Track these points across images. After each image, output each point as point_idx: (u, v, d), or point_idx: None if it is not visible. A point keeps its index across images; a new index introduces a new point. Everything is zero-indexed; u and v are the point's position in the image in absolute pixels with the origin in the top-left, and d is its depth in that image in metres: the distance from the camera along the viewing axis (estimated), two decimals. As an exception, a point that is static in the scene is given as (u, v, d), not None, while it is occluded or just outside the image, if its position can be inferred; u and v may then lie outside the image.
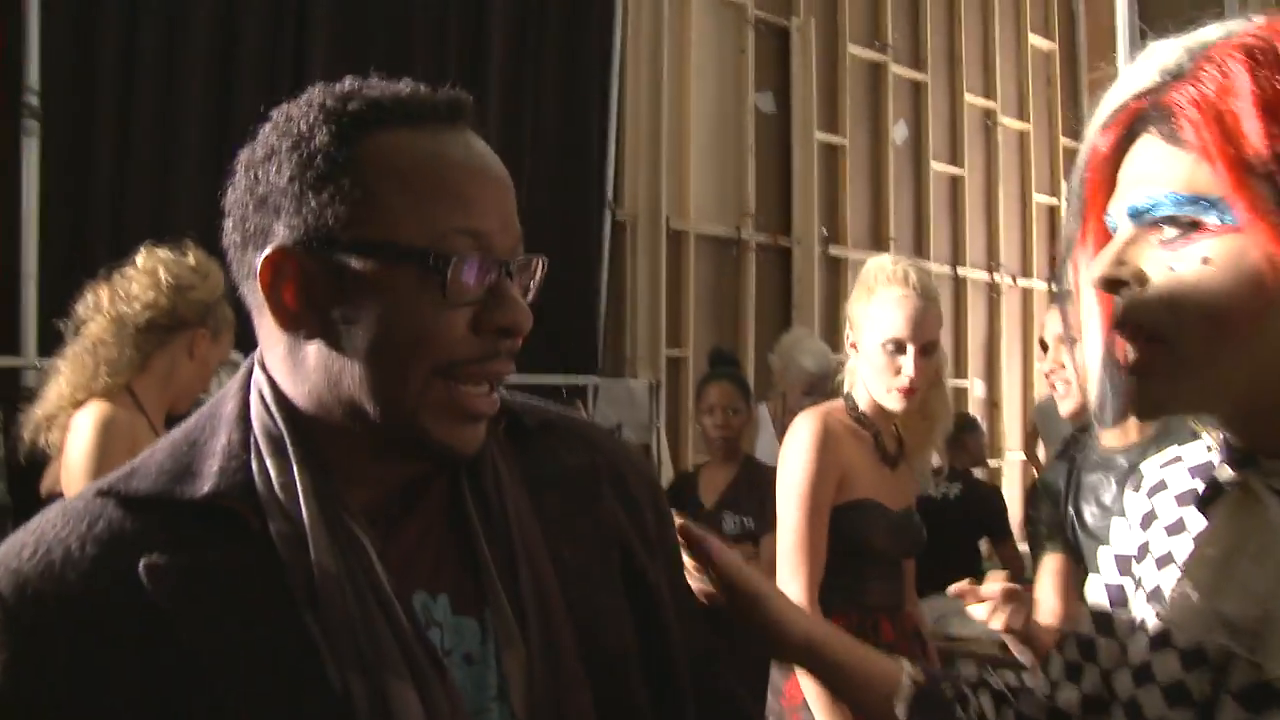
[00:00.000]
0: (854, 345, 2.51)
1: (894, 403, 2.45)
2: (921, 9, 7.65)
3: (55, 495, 2.52)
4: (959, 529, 5.34)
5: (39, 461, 2.61)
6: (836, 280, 6.65)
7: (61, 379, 2.53)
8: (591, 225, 5.45)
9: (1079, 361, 1.00)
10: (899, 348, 2.41)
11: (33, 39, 3.63)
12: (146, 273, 2.55)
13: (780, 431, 4.63)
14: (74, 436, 2.47)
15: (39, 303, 3.56)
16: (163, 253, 2.59)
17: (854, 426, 2.51)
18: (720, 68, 6.31)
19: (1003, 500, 5.91)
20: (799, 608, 1.25)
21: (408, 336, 0.92)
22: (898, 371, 2.41)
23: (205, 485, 0.93)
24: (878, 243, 7.15)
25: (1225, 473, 0.94)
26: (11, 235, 3.61)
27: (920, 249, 7.43)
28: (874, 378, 2.46)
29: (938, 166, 7.67)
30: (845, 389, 2.57)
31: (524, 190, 4.67)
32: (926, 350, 2.43)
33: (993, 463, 7.52)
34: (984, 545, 5.87)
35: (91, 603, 0.87)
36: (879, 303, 2.45)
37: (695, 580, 1.24)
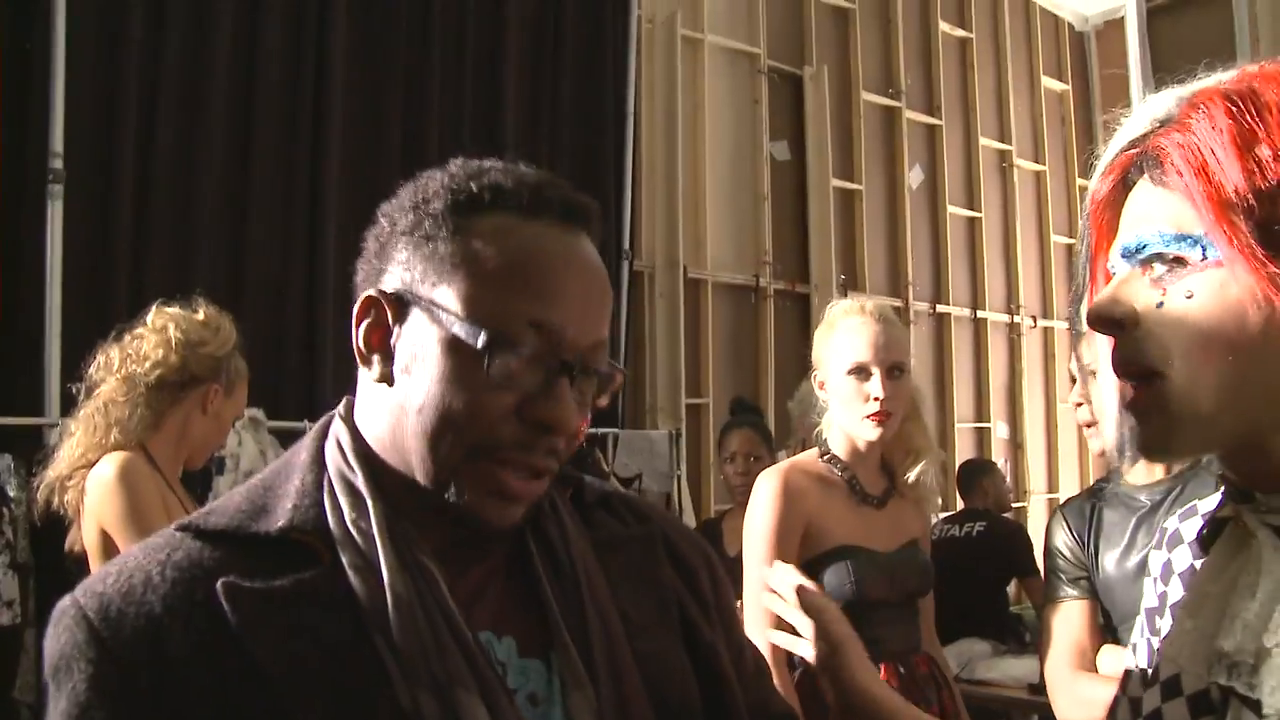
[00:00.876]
0: (822, 385, 2.50)
1: (869, 432, 2.41)
2: (934, 53, 7.70)
3: (80, 554, 2.53)
4: (984, 567, 5.30)
5: (56, 522, 2.60)
6: (855, 325, 6.65)
7: (73, 440, 2.54)
8: (611, 275, 5.44)
9: (1097, 405, 1.01)
10: (864, 373, 2.39)
11: (58, 103, 3.68)
12: (156, 331, 2.56)
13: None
14: (96, 491, 2.46)
15: (61, 363, 3.59)
16: (173, 310, 2.60)
17: (824, 474, 2.49)
18: (734, 117, 6.35)
19: (1028, 537, 5.87)
20: (874, 674, 1.27)
21: (451, 404, 0.95)
22: (866, 398, 2.39)
23: (279, 520, 0.97)
24: (896, 287, 7.16)
25: (1225, 510, 0.95)
26: (36, 296, 3.65)
27: (939, 292, 7.43)
28: (845, 411, 2.43)
29: (954, 210, 7.68)
30: (823, 435, 2.54)
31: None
32: (892, 374, 2.40)
33: (1018, 505, 7.46)
34: (1013, 587, 5.83)
35: (170, 624, 0.90)
36: (839, 333, 2.45)
37: (780, 637, 1.26)
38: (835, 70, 6.87)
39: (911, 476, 2.56)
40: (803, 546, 2.39)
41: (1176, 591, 1.04)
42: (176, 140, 4.02)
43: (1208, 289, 0.86)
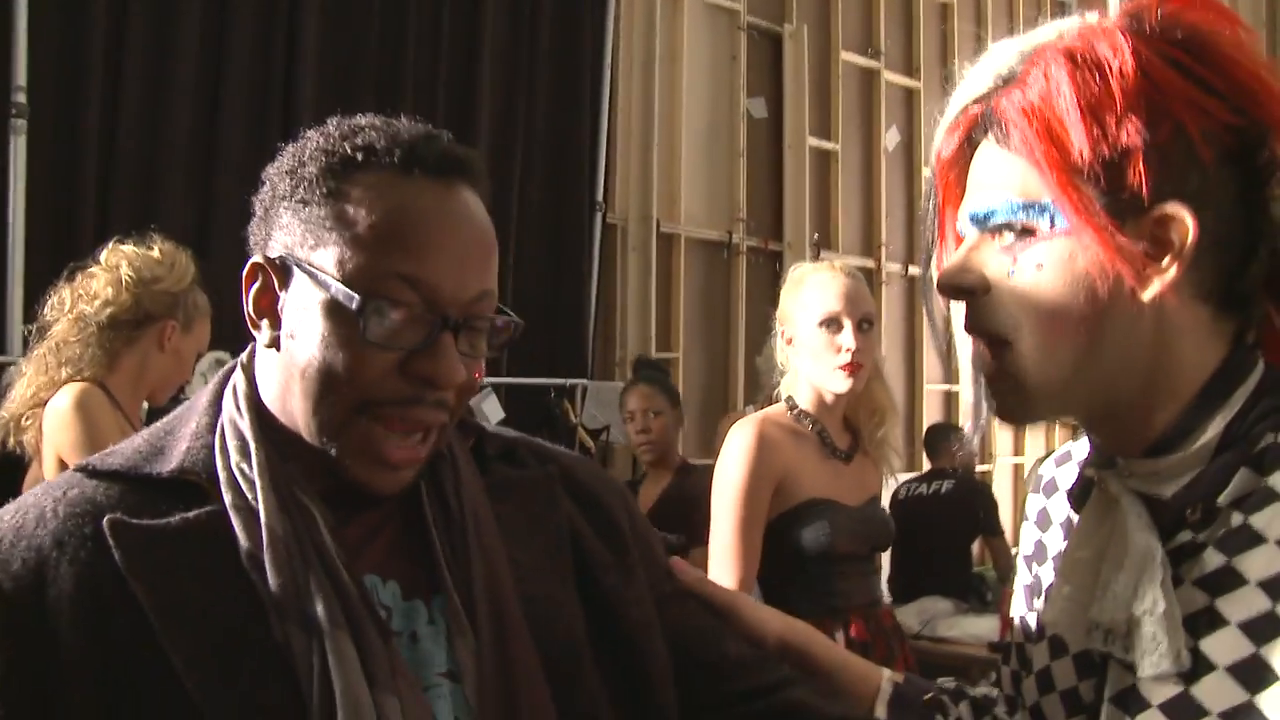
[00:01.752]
0: (789, 340, 2.52)
1: (840, 383, 2.44)
2: (914, 15, 7.67)
3: None
4: (950, 523, 5.36)
5: (14, 462, 2.60)
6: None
7: (24, 380, 2.54)
8: (582, 228, 5.44)
9: (955, 365, 1.02)
10: (835, 324, 2.42)
11: (20, 36, 3.61)
12: (108, 269, 2.54)
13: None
14: (53, 420, 2.47)
15: (25, 301, 3.54)
16: (127, 248, 2.58)
17: (795, 427, 2.51)
18: (712, 73, 6.31)
19: (993, 496, 5.92)
20: (773, 611, 1.25)
21: (332, 366, 0.97)
22: (839, 349, 2.42)
23: (172, 462, 1.00)
24: (869, 248, 7.16)
25: (1091, 470, 0.96)
26: (-1, 234, 3.60)
27: (912, 254, 7.44)
28: (815, 363, 2.46)
29: (930, 173, 7.65)
30: (784, 393, 2.57)
31: (515, 192, 4.70)
32: (862, 325, 2.44)
33: (983, 467, 7.52)
34: (977, 547, 5.89)
35: (57, 558, 0.93)
36: (810, 287, 2.48)
37: None
38: (815, 29, 6.83)
39: (878, 435, 2.60)
40: (776, 498, 2.42)
41: (1055, 539, 1.07)
42: (144, 78, 3.95)
43: (1057, 259, 0.87)
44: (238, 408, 1.03)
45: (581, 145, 5.46)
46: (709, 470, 2.69)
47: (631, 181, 5.85)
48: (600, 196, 5.54)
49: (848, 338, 2.41)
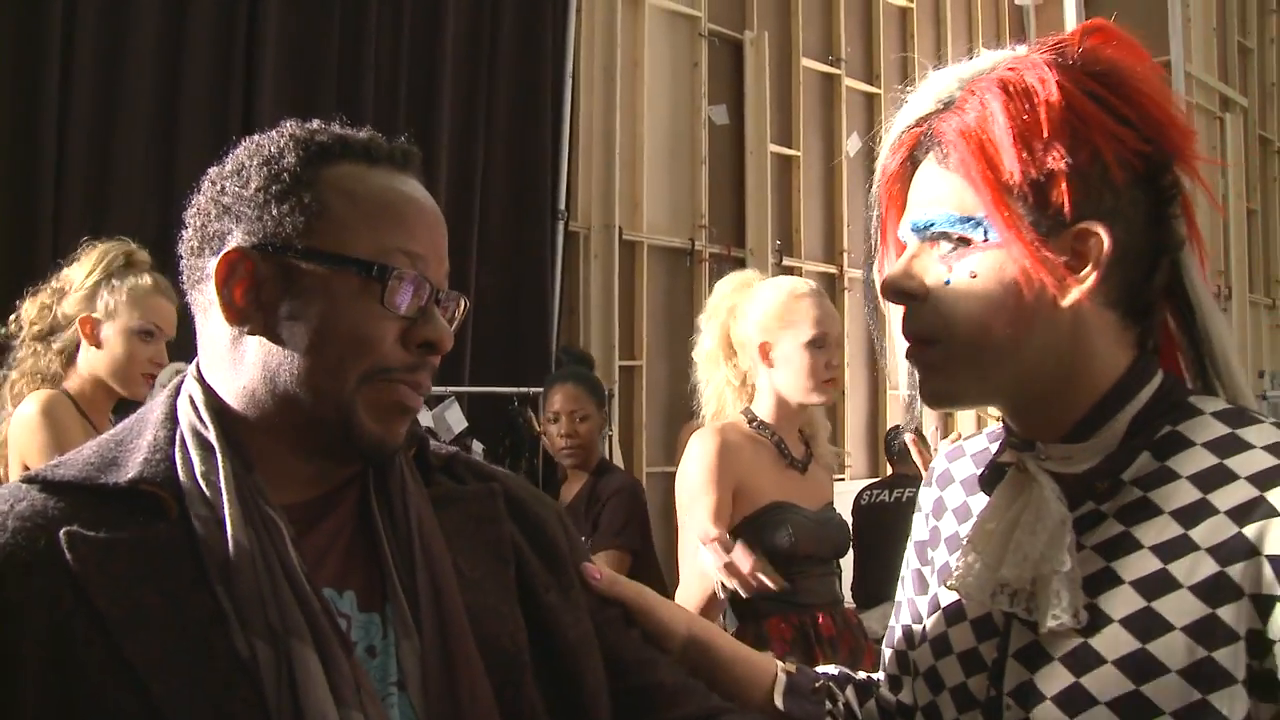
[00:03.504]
0: (768, 357, 2.63)
1: (822, 396, 2.62)
2: (874, 22, 7.73)
3: None
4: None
5: None
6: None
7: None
8: (544, 235, 5.44)
9: (892, 362, 1.14)
10: (822, 345, 2.58)
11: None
12: (39, 293, 2.69)
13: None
14: (18, 428, 2.54)
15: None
16: (63, 273, 2.70)
17: (754, 436, 2.65)
18: (674, 80, 6.33)
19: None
20: (680, 608, 1.32)
21: (346, 335, 1.02)
22: (826, 366, 2.59)
23: (129, 473, 1.00)
24: (831, 254, 7.20)
25: (1006, 456, 1.08)
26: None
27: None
28: (798, 380, 2.60)
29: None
30: (728, 408, 2.73)
31: (477, 200, 4.68)
32: (838, 345, 2.66)
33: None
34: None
35: (8, 573, 0.93)
36: (800, 309, 2.61)
37: None
38: (776, 36, 6.87)
39: (822, 446, 2.79)
40: (737, 503, 2.56)
41: (949, 526, 1.19)
42: (99, 80, 3.92)
43: (988, 268, 0.98)
44: (200, 418, 1.04)
45: (543, 153, 5.45)
46: (662, 474, 2.76)
47: (594, 189, 5.86)
48: (562, 204, 5.53)
49: (834, 356, 2.61)
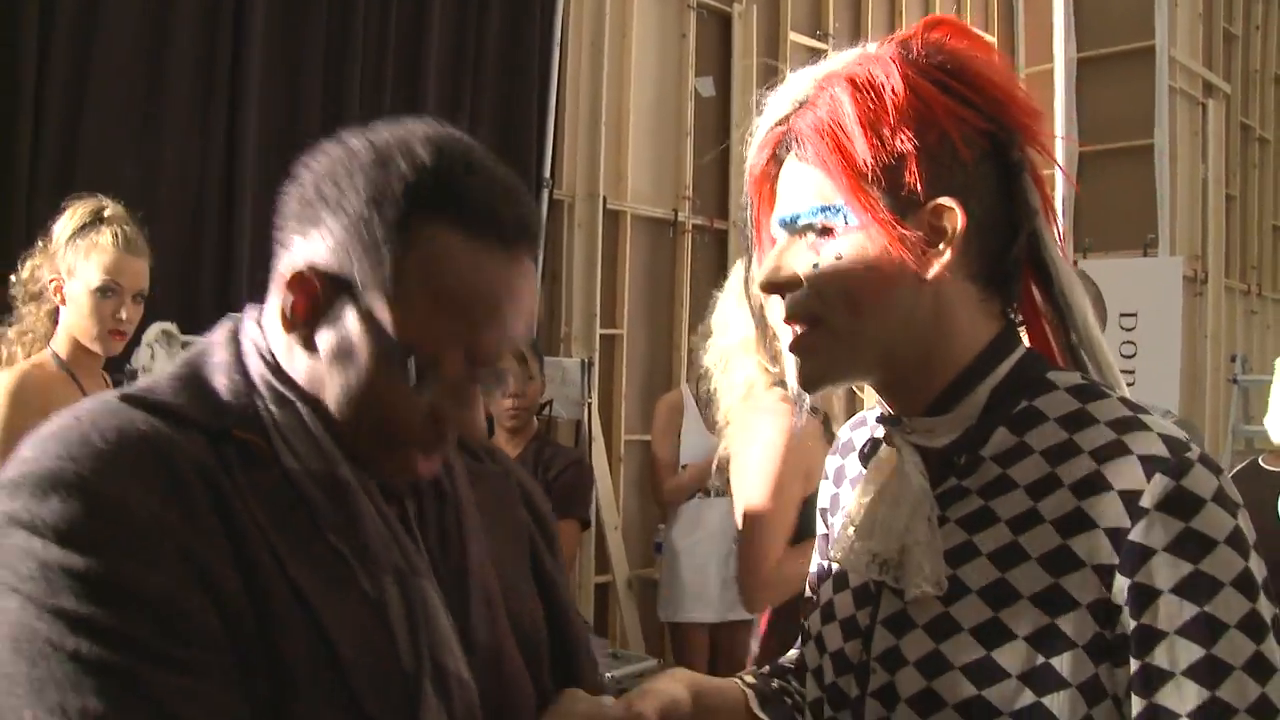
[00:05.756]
0: None
1: None
2: (863, -2, 7.74)
3: None
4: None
5: None
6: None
7: None
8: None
9: (777, 352, 1.18)
10: None
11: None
12: (31, 258, 2.76)
13: (704, 412, 4.65)
14: None
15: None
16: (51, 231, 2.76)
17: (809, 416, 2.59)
18: (661, 51, 6.34)
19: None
20: (676, 681, 1.25)
21: (368, 399, 1.01)
22: None
23: (223, 418, 1.01)
24: (813, 228, 7.22)
25: (880, 431, 1.15)
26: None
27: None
28: None
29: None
30: (758, 390, 2.61)
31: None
32: None
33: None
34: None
35: (186, 485, 0.94)
36: None
37: None
38: (764, 9, 6.87)
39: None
40: (807, 483, 2.49)
41: (848, 493, 1.25)
42: (78, 44, 3.89)
43: (852, 250, 1.04)
44: (271, 371, 1.05)
45: (529, 122, 5.47)
46: (640, 442, 2.73)
47: (579, 158, 5.89)
48: (548, 173, 5.55)
49: None
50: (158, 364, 3.63)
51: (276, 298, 1.04)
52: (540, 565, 1.23)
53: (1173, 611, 0.92)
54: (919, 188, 1.02)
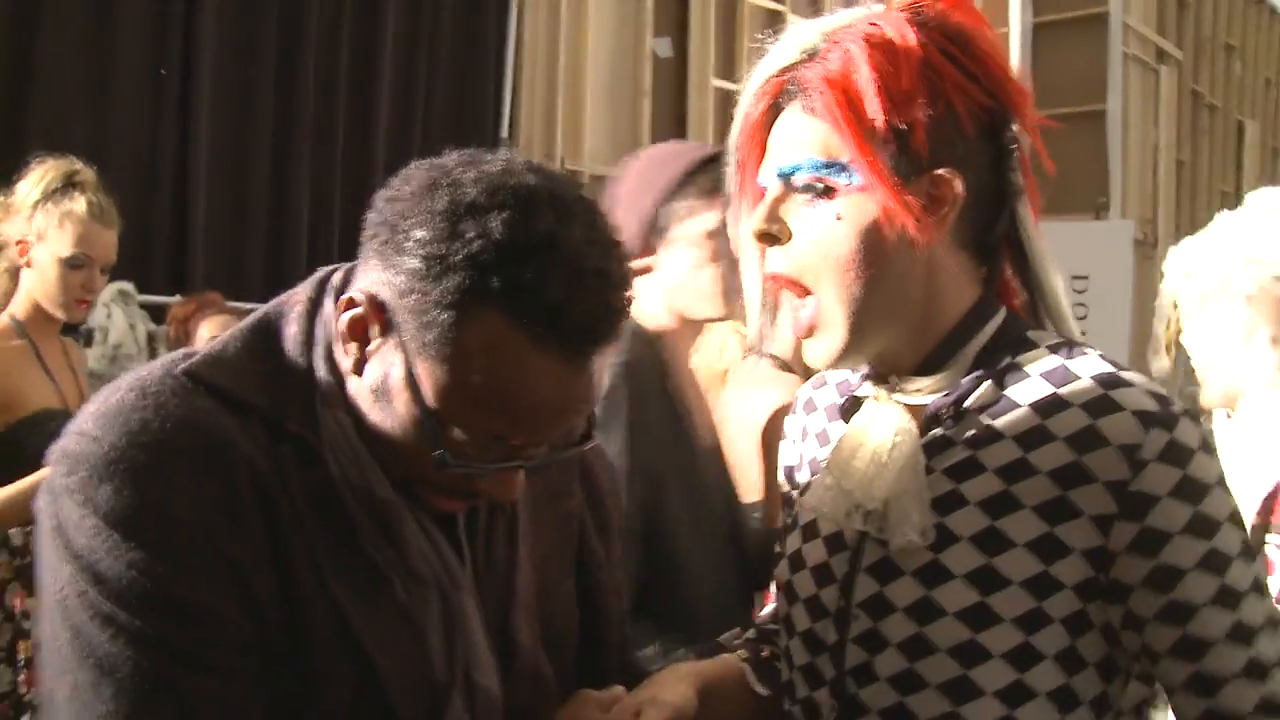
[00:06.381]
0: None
1: None
2: (821, -41, 7.73)
3: None
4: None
5: None
6: (728, 225, 6.74)
7: None
8: None
9: (744, 301, 1.20)
10: None
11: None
12: None
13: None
14: None
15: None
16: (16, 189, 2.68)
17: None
18: (619, 11, 6.31)
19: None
20: (683, 680, 1.25)
21: (398, 454, 0.99)
22: None
23: (283, 409, 1.00)
24: (770, 190, 7.24)
25: (864, 388, 1.17)
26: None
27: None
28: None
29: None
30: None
31: (419, 129, 4.64)
32: None
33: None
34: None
35: (226, 467, 0.95)
36: None
37: None
38: (722, -31, 6.86)
39: None
40: None
41: (812, 448, 1.27)
42: (27, 5, 3.84)
43: (853, 211, 1.05)
44: (330, 373, 1.02)
45: (486, 82, 5.46)
46: None
47: (536, 119, 5.86)
48: (505, 134, 5.55)
49: None
50: (114, 323, 3.61)
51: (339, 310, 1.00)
52: (585, 553, 1.22)
53: (1185, 550, 0.99)
54: (924, 154, 1.03)
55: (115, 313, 3.65)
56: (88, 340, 3.54)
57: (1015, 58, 8.14)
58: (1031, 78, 8.10)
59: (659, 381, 1.27)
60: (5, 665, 2.52)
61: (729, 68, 6.94)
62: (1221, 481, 1.02)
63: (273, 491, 0.96)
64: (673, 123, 6.66)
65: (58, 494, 0.93)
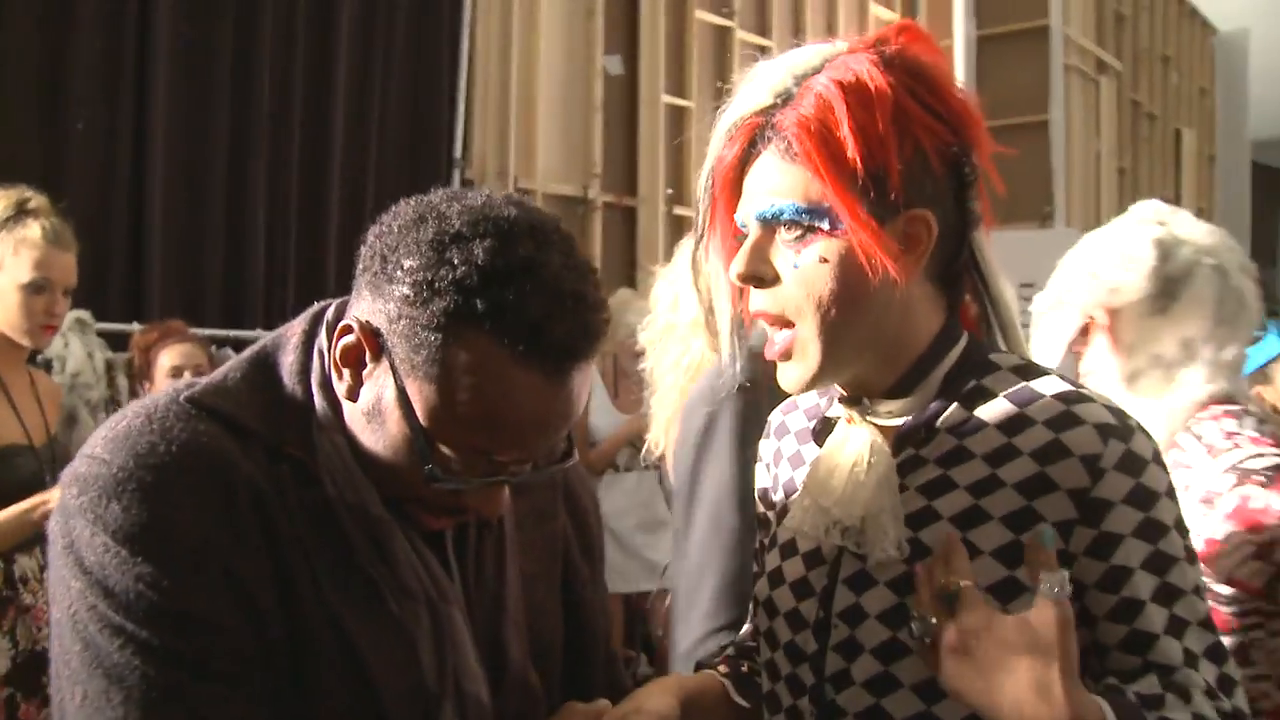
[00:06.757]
0: None
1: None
2: (767, -24, 7.81)
3: None
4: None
5: None
6: (680, 238, 6.73)
7: None
8: (439, 183, 5.39)
9: (715, 323, 1.25)
10: None
11: None
12: None
13: (612, 392, 4.69)
14: None
15: None
16: None
17: None
18: (569, 29, 6.36)
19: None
20: (667, 689, 1.28)
21: (389, 472, 1.04)
22: None
23: (282, 433, 1.05)
24: (721, 205, 7.28)
25: (836, 410, 1.21)
26: None
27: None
28: None
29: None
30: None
31: (373, 149, 4.63)
32: None
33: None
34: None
35: (236, 499, 1.00)
36: None
37: None
38: (670, -13, 6.92)
39: None
40: None
41: (785, 472, 1.31)
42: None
43: (835, 254, 1.09)
44: (324, 396, 1.07)
45: (439, 101, 5.48)
46: None
47: (489, 138, 5.90)
48: (458, 153, 5.58)
49: None
50: (72, 352, 3.59)
51: (335, 338, 1.05)
52: (570, 571, 1.28)
53: (1135, 552, 1.05)
54: (899, 197, 1.07)
55: (73, 341, 3.62)
56: (46, 369, 3.52)
57: (960, 70, 8.28)
58: (976, 90, 8.24)
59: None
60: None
61: (679, 84, 7.01)
62: (1170, 491, 1.08)
63: (273, 510, 1.01)
64: (624, 139, 6.71)
65: (69, 514, 0.98)
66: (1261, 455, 1.69)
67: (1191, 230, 1.83)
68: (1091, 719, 0.95)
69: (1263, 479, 1.66)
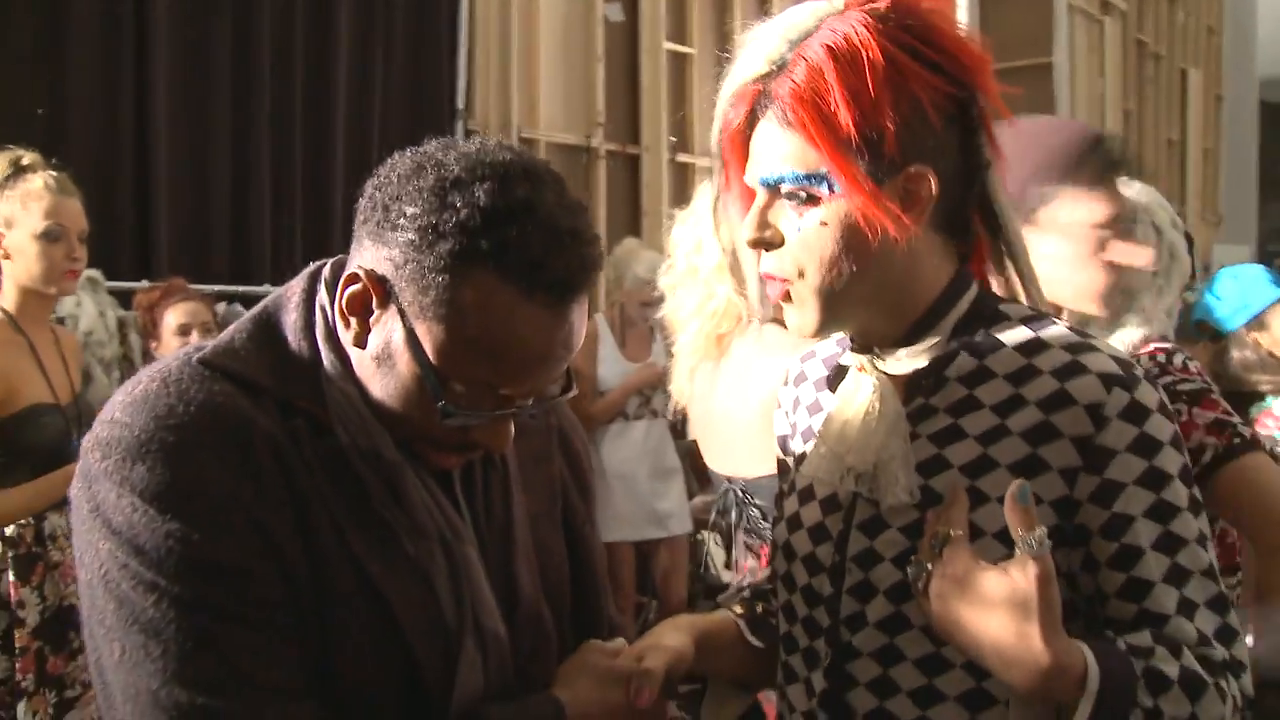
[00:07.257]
0: None
1: None
2: (768, -80, 7.74)
3: None
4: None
5: None
6: (685, 186, 6.77)
7: None
8: (442, 135, 5.39)
9: (743, 274, 1.28)
10: None
11: None
12: None
13: (620, 341, 4.72)
14: None
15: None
16: None
17: None
18: (570, -23, 6.32)
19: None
20: (680, 629, 1.32)
21: (403, 415, 1.08)
22: None
23: (292, 386, 1.09)
24: (725, 152, 7.26)
25: (849, 359, 1.24)
26: None
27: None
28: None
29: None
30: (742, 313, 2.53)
31: (376, 100, 4.64)
32: None
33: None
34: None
35: (247, 441, 1.04)
36: None
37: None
38: (671, -67, 6.87)
39: None
40: None
41: (804, 420, 1.35)
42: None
43: (835, 217, 1.12)
44: (331, 348, 1.11)
45: (440, 52, 5.47)
46: None
47: (491, 88, 5.88)
48: (460, 103, 5.57)
49: None
50: (84, 310, 3.63)
51: (341, 288, 1.09)
52: (570, 514, 1.32)
53: (1136, 500, 1.08)
54: (896, 156, 1.09)
55: (85, 300, 3.66)
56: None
57: (963, 14, 8.22)
58: (980, 33, 8.18)
59: None
60: (1, 654, 2.56)
61: (680, 31, 6.98)
62: (1175, 441, 1.11)
63: (291, 462, 1.05)
64: (626, 88, 6.69)
65: (93, 478, 1.02)
66: (1189, 380, 1.87)
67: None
68: (1073, 664, 0.99)
69: (1186, 400, 1.83)
